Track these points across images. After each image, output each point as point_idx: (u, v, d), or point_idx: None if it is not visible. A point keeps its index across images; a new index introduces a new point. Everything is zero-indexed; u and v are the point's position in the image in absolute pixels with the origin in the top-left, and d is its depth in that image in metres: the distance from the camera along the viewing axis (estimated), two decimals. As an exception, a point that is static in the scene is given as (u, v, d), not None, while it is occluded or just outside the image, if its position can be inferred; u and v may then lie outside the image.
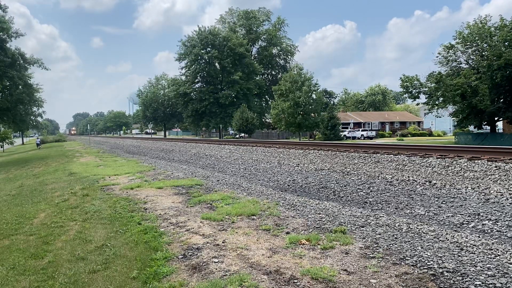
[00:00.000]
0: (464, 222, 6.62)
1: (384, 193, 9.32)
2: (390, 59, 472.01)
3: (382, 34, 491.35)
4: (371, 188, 9.95)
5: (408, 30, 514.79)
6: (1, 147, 60.64)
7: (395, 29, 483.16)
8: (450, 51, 32.48)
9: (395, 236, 5.21)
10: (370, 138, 54.29)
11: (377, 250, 4.60)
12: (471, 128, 36.57)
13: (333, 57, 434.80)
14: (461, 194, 8.76)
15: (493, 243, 4.94)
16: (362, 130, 56.96)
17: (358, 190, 9.81)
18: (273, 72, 74.27)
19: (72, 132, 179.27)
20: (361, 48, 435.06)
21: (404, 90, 34.37)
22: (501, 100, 30.22)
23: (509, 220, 6.48)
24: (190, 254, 4.85)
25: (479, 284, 3.58)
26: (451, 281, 3.69)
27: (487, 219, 6.64)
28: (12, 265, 5.17)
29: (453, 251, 4.55)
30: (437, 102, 33.01)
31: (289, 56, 72.62)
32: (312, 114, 43.59)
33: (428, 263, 4.12)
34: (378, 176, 11.53)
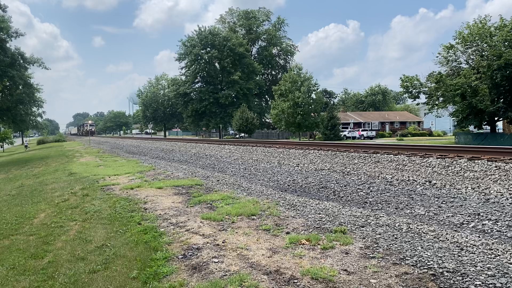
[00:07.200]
0: (464, 222, 6.62)
1: (384, 193, 9.32)
2: (392, 58, 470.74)
3: (386, 32, 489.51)
4: (371, 188, 9.95)
5: (412, 29, 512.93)
6: (1, 147, 60.76)
7: (399, 27, 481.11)
8: (450, 51, 32.49)
9: (395, 236, 5.21)
10: (370, 138, 54.32)
11: (377, 250, 4.60)
12: (471, 128, 36.57)
13: (335, 56, 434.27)
14: (461, 194, 8.76)
15: (493, 243, 4.94)
16: (362, 130, 56.98)
17: (358, 190, 9.81)
18: (273, 72, 74.29)
19: (87, 129, 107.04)
20: (364, 47, 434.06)
21: (404, 90, 34.40)
22: (501, 100, 30.23)
23: (509, 220, 6.48)
24: (190, 254, 4.85)
25: (479, 284, 3.58)
26: (451, 281, 3.69)
27: (487, 219, 6.64)
28: (12, 265, 5.17)
29: (453, 251, 4.55)
30: (437, 102, 33.03)
31: (289, 56, 72.68)
32: (312, 114, 43.61)
33: (428, 263, 4.12)
34: (378, 176, 11.53)
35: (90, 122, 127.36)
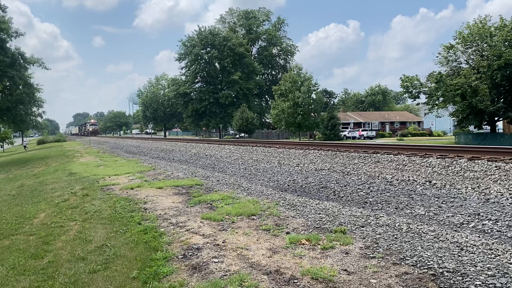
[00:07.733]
0: (464, 222, 6.62)
1: (384, 193, 9.32)
2: (392, 58, 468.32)
3: (386, 32, 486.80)
4: (371, 188, 9.95)
5: (412, 29, 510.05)
6: (1, 147, 60.79)
7: (399, 27, 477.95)
8: (450, 51, 32.49)
9: (395, 236, 5.21)
10: (370, 138, 54.34)
11: (377, 250, 4.60)
12: (471, 128, 36.58)
13: (336, 56, 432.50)
14: (461, 194, 8.76)
15: (493, 243, 4.94)
16: (362, 130, 57.00)
17: (358, 190, 9.81)
18: (273, 72, 74.28)
19: (89, 128, 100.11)
20: (364, 47, 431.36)
21: (404, 90, 34.41)
22: (501, 100, 30.23)
23: (509, 220, 6.48)
24: (190, 254, 4.85)
25: (479, 284, 3.58)
26: (451, 281, 3.69)
27: (487, 219, 6.64)
28: (12, 265, 5.17)
29: (453, 251, 4.55)
30: (437, 102, 33.04)
31: (289, 56, 72.69)
32: (312, 114, 43.63)
33: (428, 263, 4.12)
34: (378, 176, 11.53)
35: (92, 121, 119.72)
